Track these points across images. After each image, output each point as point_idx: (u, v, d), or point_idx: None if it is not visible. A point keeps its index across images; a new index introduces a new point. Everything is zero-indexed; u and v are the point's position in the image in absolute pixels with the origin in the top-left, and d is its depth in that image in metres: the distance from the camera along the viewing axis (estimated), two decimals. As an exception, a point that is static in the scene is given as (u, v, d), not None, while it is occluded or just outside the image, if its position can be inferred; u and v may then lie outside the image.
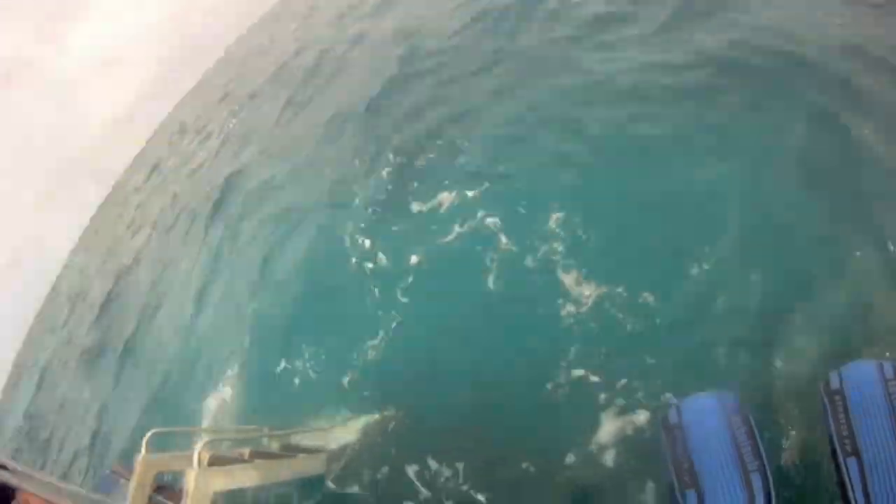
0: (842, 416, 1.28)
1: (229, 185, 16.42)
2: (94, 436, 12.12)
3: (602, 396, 5.20)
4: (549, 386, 5.54)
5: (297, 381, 7.66)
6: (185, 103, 34.09)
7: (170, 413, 9.59)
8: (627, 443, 4.81)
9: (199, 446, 4.12)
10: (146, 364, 12.21)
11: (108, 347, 15.91)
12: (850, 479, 1.09)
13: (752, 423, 1.25)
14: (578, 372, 5.50)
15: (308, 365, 7.74)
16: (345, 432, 5.85)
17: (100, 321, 17.99)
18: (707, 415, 1.33)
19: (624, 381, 5.18)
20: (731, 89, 7.30)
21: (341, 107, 14.41)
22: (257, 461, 4.62)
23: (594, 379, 5.38)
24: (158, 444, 4.82)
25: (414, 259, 8.02)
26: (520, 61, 10.72)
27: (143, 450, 4.52)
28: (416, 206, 8.90)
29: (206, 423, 8.53)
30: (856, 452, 1.15)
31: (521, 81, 10.15)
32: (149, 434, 4.58)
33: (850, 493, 1.09)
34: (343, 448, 5.71)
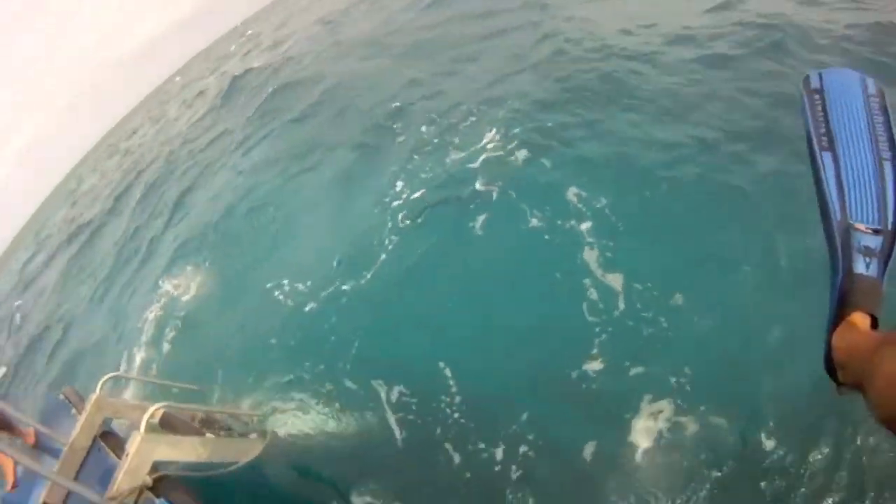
0: (820, 113, 1.24)
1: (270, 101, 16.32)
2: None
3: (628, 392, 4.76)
4: (560, 380, 5.03)
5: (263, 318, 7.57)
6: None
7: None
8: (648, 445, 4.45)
9: (150, 410, 3.96)
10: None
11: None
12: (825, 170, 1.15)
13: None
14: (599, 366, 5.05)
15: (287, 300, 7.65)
16: (299, 418, 5.72)
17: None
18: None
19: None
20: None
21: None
22: (206, 436, 4.49)
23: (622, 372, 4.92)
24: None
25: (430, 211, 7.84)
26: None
27: (97, 390, 4.40)
28: (453, 155, 8.70)
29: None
30: (832, 148, 1.17)
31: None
32: (105, 377, 4.44)
33: (825, 185, 1.13)
34: (294, 435, 5.59)
